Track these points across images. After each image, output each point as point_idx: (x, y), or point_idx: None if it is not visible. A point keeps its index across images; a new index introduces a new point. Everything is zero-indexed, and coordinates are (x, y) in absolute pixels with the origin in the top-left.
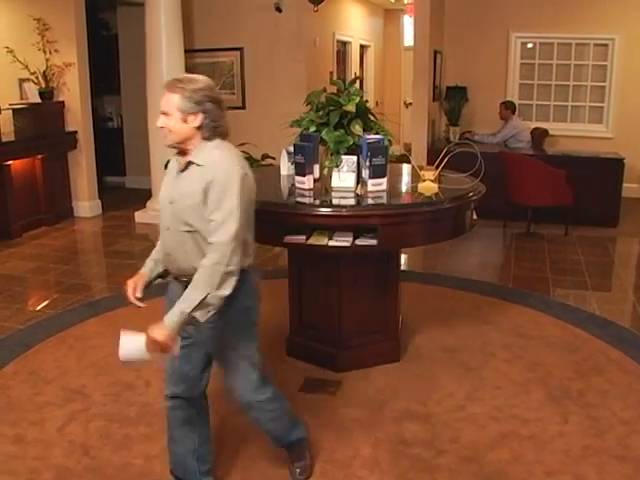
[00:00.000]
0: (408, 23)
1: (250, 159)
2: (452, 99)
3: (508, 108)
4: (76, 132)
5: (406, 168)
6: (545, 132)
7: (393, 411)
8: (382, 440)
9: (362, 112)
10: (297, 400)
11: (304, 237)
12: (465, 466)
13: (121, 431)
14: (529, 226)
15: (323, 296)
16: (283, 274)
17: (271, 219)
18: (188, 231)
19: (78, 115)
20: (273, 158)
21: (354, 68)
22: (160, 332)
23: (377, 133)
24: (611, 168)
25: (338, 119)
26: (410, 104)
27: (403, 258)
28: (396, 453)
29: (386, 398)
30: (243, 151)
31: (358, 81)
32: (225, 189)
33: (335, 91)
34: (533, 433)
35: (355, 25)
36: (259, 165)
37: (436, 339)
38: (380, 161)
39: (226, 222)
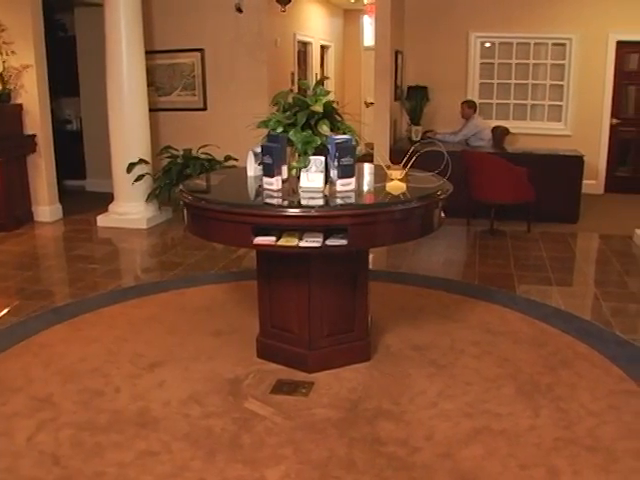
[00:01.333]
0: (367, 23)
1: (212, 161)
2: (413, 99)
3: (470, 107)
4: (35, 135)
5: (373, 168)
6: (506, 130)
7: (366, 410)
8: (357, 440)
9: (329, 112)
10: (269, 402)
11: (274, 238)
12: (441, 463)
13: (92, 439)
14: (492, 223)
15: (293, 297)
16: (250, 276)
17: (239, 220)
18: None
19: (37, 118)
20: (236, 159)
21: (315, 68)
22: None
23: (344, 133)
24: (571, 165)
25: (305, 119)
26: (371, 104)
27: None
28: (372, 452)
29: (359, 398)
30: (205, 152)
31: (323, 82)
32: None
33: (297, 91)
34: (505, 428)
35: (315, 26)
36: (222, 167)
37: (405, 337)
38: (348, 161)
39: None
